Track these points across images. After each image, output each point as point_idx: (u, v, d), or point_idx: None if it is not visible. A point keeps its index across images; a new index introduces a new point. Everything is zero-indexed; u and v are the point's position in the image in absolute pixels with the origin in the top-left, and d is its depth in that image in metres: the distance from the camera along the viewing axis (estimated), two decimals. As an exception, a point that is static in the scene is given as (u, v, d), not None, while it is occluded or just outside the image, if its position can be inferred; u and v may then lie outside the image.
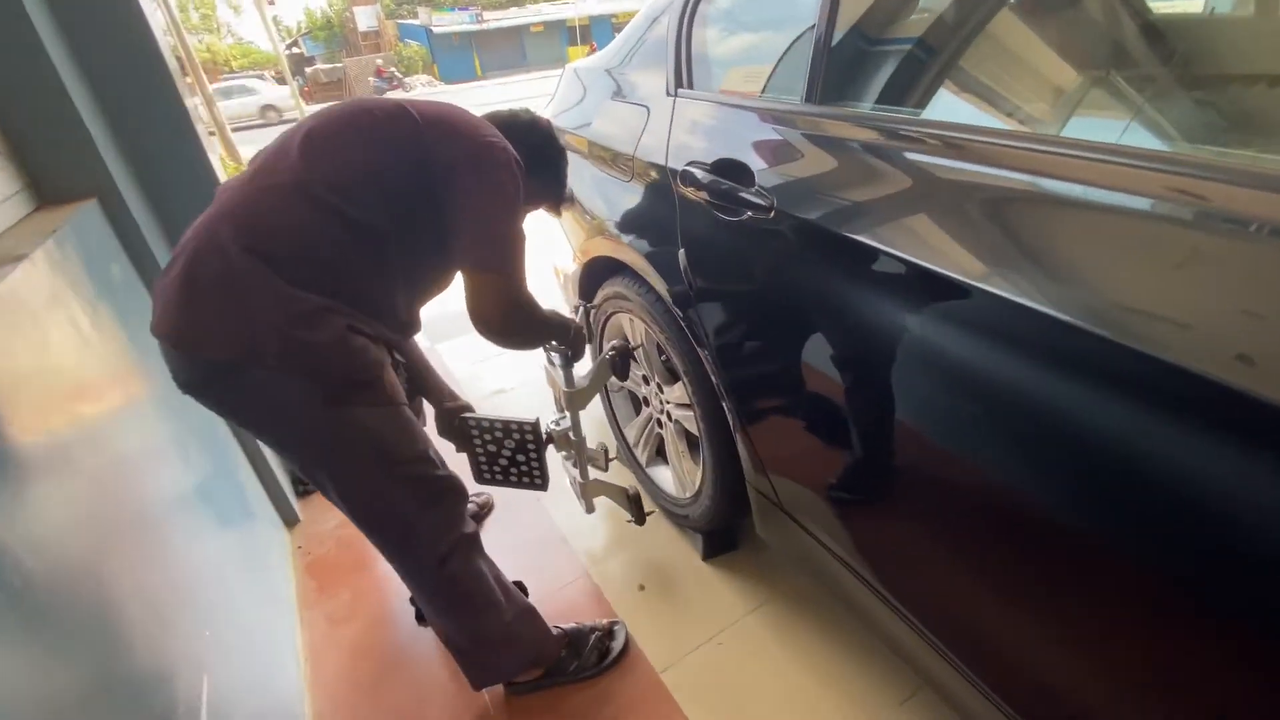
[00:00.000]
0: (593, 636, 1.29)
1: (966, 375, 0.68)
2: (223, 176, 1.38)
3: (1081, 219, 0.62)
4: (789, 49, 1.07)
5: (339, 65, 24.93)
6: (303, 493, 1.86)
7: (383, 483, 0.98)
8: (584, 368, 1.36)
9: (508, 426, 1.29)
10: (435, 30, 26.66)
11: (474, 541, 1.11)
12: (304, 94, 20.61)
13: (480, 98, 18.36)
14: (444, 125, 0.96)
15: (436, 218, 0.96)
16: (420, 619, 1.40)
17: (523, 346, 1.20)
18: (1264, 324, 0.48)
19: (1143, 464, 0.53)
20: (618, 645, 1.30)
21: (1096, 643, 0.64)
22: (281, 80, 17.38)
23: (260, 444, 1.60)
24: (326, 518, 1.78)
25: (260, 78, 19.30)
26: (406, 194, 0.95)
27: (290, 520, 1.76)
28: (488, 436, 1.31)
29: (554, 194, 1.24)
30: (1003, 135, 0.75)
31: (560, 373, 1.33)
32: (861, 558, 0.97)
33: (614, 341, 1.43)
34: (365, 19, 28.28)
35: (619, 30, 1.62)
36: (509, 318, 1.01)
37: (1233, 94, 0.90)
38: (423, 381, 1.31)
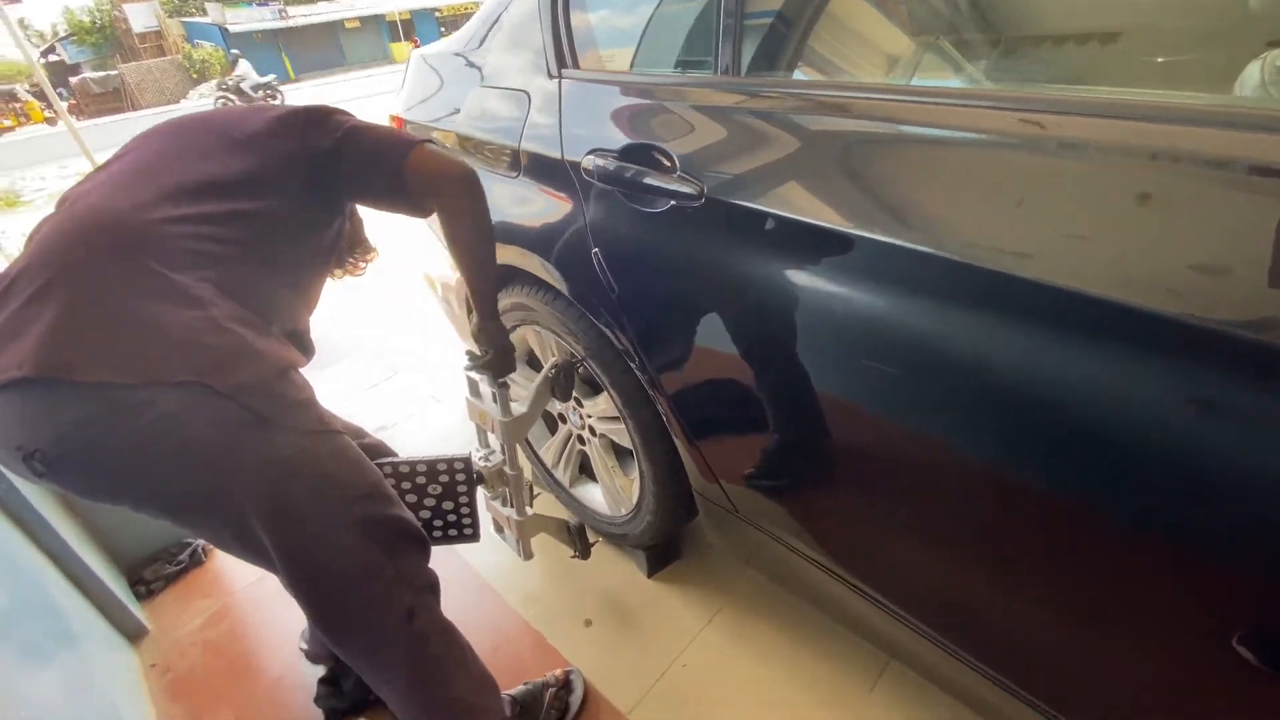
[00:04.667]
0: (547, 694, 1.14)
1: (934, 358, 0.65)
2: None
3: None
4: (690, 20, 0.97)
5: (113, 73, 21.32)
6: (145, 594, 1.50)
7: (337, 527, 0.80)
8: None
9: (433, 467, 1.08)
10: (232, 29, 23.72)
11: (436, 589, 0.93)
12: (71, 108, 17.45)
13: (300, 101, 16.67)
14: (315, 113, 0.93)
15: (322, 204, 0.94)
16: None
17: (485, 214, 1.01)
18: (1089, 244, 0.54)
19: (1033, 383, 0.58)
20: (576, 697, 1.16)
21: (1038, 583, 0.66)
22: (39, 93, 14.56)
23: (82, 545, 1.25)
24: (185, 619, 1.44)
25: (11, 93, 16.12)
26: (284, 179, 0.88)
27: (135, 633, 1.40)
28: (407, 485, 1.08)
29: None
30: (937, 94, 0.70)
31: (487, 401, 1.15)
32: (829, 550, 0.92)
33: (554, 358, 1.26)
34: (141, 18, 24.29)
35: (444, 25, 1.44)
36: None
37: (1043, 53, 0.95)
38: None
